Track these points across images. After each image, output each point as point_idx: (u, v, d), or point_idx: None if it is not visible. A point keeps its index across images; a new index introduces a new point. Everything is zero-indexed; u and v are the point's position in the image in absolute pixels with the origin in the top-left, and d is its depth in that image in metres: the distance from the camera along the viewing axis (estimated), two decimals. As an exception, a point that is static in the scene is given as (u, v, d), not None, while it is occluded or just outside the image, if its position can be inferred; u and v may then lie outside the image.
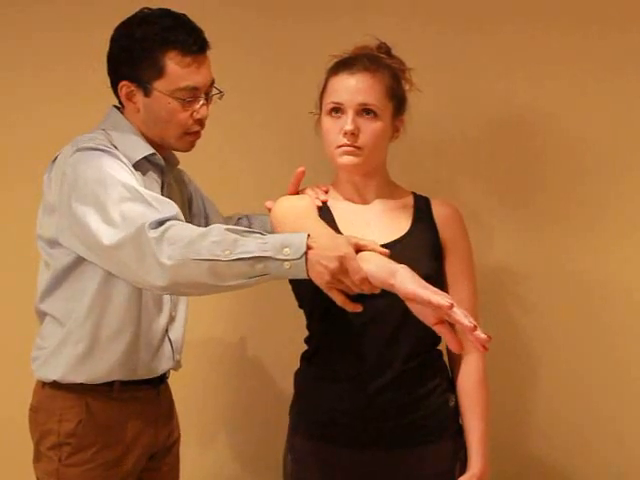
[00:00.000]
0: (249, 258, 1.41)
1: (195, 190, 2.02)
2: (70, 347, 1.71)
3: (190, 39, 1.71)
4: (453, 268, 1.78)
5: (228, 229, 1.46)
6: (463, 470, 1.74)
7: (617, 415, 2.23)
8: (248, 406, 2.36)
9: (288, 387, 1.86)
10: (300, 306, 1.81)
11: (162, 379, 1.86)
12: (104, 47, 1.76)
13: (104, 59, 1.77)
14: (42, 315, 1.77)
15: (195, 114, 1.75)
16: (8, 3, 2.35)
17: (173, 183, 1.89)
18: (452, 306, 1.35)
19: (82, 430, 1.71)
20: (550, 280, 2.24)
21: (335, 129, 1.72)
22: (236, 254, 1.42)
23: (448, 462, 1.75)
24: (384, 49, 1.80)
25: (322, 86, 1.78)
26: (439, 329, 1.42)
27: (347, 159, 1.72)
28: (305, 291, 1.75)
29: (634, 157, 2.20)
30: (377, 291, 1.44)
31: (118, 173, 1.61)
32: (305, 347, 1.83)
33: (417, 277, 1.42)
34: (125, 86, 1.73)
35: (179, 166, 1.94)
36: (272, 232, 1.60)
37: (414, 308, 1.43)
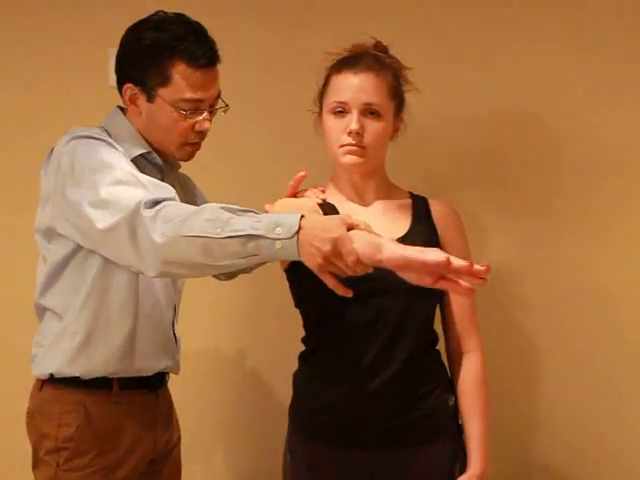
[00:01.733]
0: (240, 236, 1.38)
1: (200, 196, 2.00)
2: (67, 339, 1.69)
3: (200, 51, 1.68)
4: (452, 267, 1.78)
5: (224, 207, 1.44)
6: (463, 470, 1.74)
7: (620, 416, 2.22)
8: (248, 413, 2.34)
9: (289, 392, 1.84)
10: (296, 305, 1.80)
11: (161, 382, 1.84)
12: (109, 47, 1.75)
13: (111, 60, 1.77)
14: (42, 311, 1.76)
15: (197, 126, 1.73)
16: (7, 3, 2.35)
17: (177, 187, 1.86)
18: (449, 259, 1.29)
19: (80, 435, 1.70)
20: (551, 281, 2.23)
21: (339, 128, 1.71)
22: (227, 232, 1.39)
23: (447, 462, 1.75)
24: (380, 48, 1.80)
25: (323, 84, 1.77)
26: (442, 284, 1.34)
27: (350, 158, 1.72)
28: (302, 290, 1.76)
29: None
30: (370, 271, 1.38)
31: (113, 159, 1.61)
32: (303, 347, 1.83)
33: (402, 245, 1.37)
34: (129, 88, 1.72)
35: (185, 172, 1.94)
36: None
37: (407, 276, 1.36)
